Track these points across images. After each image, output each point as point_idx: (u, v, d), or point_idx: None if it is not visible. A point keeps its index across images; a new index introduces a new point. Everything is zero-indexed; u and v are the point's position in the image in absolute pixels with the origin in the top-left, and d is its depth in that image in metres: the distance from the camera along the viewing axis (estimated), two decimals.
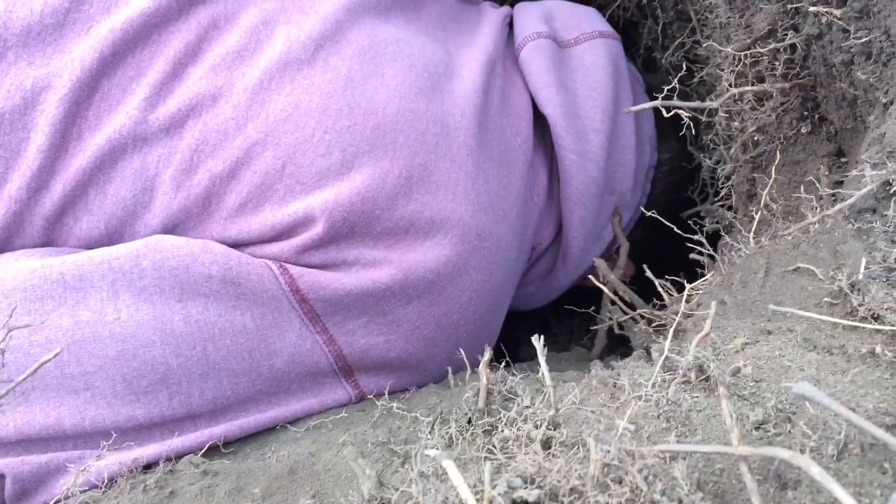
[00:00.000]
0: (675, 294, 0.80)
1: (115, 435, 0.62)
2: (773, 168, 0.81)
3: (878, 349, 0.50)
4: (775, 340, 0.56)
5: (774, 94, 0.81)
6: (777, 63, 0.80)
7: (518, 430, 0.51)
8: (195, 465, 0.60)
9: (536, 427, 0.51)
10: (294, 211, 0.69)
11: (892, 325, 0.51)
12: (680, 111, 0.80)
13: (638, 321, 0.84)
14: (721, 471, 0.44)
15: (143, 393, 0.63)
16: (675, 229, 0.86)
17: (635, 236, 1.02)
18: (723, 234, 0.95)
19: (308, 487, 0.57)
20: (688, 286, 0.74)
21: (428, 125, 0.74)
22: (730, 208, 0.96)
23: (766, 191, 0.79)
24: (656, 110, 0.82)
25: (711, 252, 0.82)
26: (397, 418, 0.65)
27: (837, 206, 0.62)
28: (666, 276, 0.82)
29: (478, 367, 0.60)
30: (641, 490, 0.41)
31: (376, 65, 0.74)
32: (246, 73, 0.71)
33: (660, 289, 0.80)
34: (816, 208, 0.68)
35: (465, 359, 0.67)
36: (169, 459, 0.62)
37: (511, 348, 1.13)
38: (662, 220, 0.88)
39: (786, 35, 0.78)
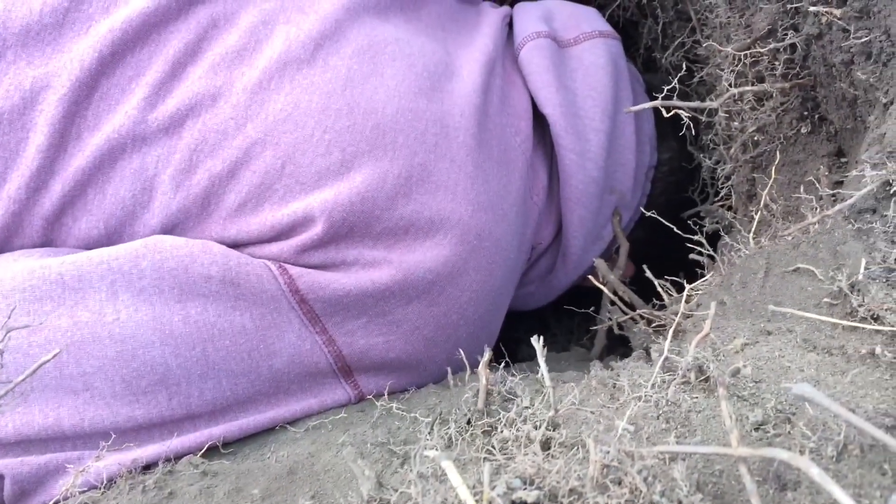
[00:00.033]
0: (675, 294, 0.80)
1: (114, 435, 0.62)
2: (773, 168, 0.81)
3: (878, 350, 0.50)
4: (775, 341, 0.56)
5: (774, 94, 0.81)
6: (777, 63, 0.80)
7: (517, 430, 0.51)
8: (194, 465, 0.60)
9: (536, 428, 0.51)
10: (293, 211, 0.69)
11: (892, 326, 0.51)
12: (680, 111, 0.80)
13: (637, 321, 0.84)
14: (720, 472, 0.44)
15: (142, 394, 0.63)
16: (675, 229, 0.86)
17: (635, 236, 1.02)
18: (722, 234, 0.95)
19: (307, 488, 0.57)
20: (687, 286, 0.74)
21: (427, 125, 0.74)
22: (730, 208, 0.96)
23: (765, 191, 0.79)
24: (656, 110, 0.82)
25: (711, 252, 0.82)
26: (397, 419, 0.65)
27: (837, 207, 0.62)
28: (666, 277, 0.82)
29: (477, 367, 0.60)
30: (641, 491, 0.41)
31: (376, 64, 0.74)
32: (245, 72, 0.70)
33: (659, 289, 0.80)
34: (816, 208, 0.67)
35: (464, 359, 0.67)
36: (168, 460, 0.62)
37: (511, 348, 1.13)
38: (662, 220, 0.88)
39: (786, 35, 0.78)
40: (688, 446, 0.43)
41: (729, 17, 0.88)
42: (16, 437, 0.61)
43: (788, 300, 0.61)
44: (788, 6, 0.77)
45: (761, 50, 0.80)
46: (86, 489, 0.59)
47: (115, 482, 0.59)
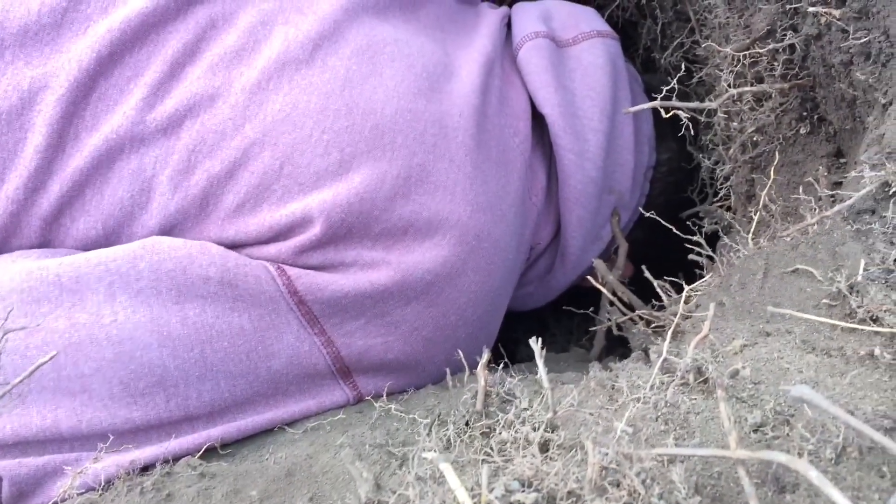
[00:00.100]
0: (674, 295, 0.80)
1: (112, 437, 0.61)
2: (772, 169, 0.81)
3: (877, 351, 0.50)
4: (774, 342, 0.56)
5: (773, 95, 0.81)
6: (776, 63, 0.80)
7: (516, 432, 0.51)
8: (192, 467, 0.60)
9: (534, 429, 0.51)
10: (292, 212, 0.69)
11: (891, 327, 0.51)
12: (679, 112, 0.80)
13: (636, 322, 0.84)
14: (719, 474, 0.44)
15: (140, 395, 0.62)
16: (674, 230, 0.86)
17: (634, 237, 1.02)
18: (721, 234, 0.94)
19: (305, 490, 0.57)
20: (686, 287, 0.74)
21: (426, 125, 0.73)
22: (728, 209, 0.96)
23: (764, 192, 0.79)
24: (655, 110, 0.82)
25: (710, 253, 0.82)
26: (395, 420, 0.65)
27: (836, 208, 0.62)
28: (664, 277, 0.82)
29: (476, 367, 0.60)
30: (639, 493, 0.41)
31: (375, 65, 0.74)
32: (244, 73, 0.70)
33: (658, 290, 0.80)
34: (815, 209, 0.67)
35: (463, 360, 0.67)
36: (166, 461, 0.62)
37: (510, 349, 1.13)
38: (661, 220, 0.88)
39: (785, 35, 0.78)
40: (686, 448, 0.43)
41: (728, 18, 0.88)
42: (13, 439, 0.61)
43: (787, 301, 0.61)
44: (787, 7, 0.77)
45: (760, 50, 0.80)
46: (84, 491, 0.59)
47: (112, 484, 0.59)
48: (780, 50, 0.79)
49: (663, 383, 0.53)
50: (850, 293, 0.55)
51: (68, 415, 0.61)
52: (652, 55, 1.20)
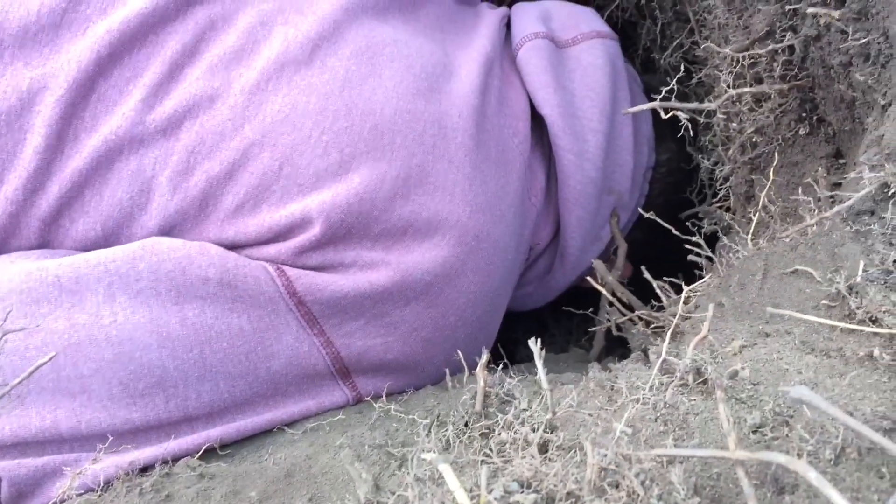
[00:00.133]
0: (673, 296, 0.80)
1: (111, 438, 0.61)
2: (772, 169, 0.81)
3: (876, 352, 0.50)
4: (773, 343, 0.56)
5: (773, 96, 0.81)
6: (775, 64, 0.80)
7: (515, 433, 0.51)
8: (191, 468, 0.60)
9: (533, 430, 0.51)
10: (291, 212, 0.69)
11: (890, 328, 0.51)
12: (678, 112, 0.80)
13: (636, 323, 0.84)
14: (718, 475, 0.44)
15: (139, 396, 0.62)
16: (674, 231, 0.86)
17: (633, 237, 1.02)
18: (721, 235, 0.94)
19: (305, 491, 0.57)
20: (686, 288, 0.74)
21: (426, 126, 0.73)
22: (728, 210, 0.96)
23: (764, 192, 0.79)
24: (655, 111, 0.82)
25: (709, 254, 0.82)
26: (395, 420, 0.65)
27: (835, 209, 0.62)
28: (664, 278, 0.82)
29: (476, 368, 0.60)
30: (638, 494, 0.41)
31: (374, 65, 0.74)
32: (243, 73, 0.70)
33: (658, 290, 0.80)
34: (814, 210, 0.67)
35: (462, 360, 0.67)
36: (165, 462, 0.62)
37: (509, 349, 1.13)
38: (660, 221, 0.88)
39: (784, 36, 0.78)
40: (685, 449, 0.43)
41: (727, 19, 0.88)
42: (13, 440, 0.61)
43: (786, 302, 0.61)
44: (787, 8, 0.77)
45: (760, 51, 0.80)
46: (83, 492, 0.59)
47: (112, 485, 0.59)
48: (780, 51, 0.79)
49: (662, 384, 0.53)
50: (850, 294, 0.55)
51: (68, 415, 0.61)
52: (651, 56, 1.20)
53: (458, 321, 0.77)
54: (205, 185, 0.69)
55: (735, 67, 0.82)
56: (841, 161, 0.78)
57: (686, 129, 0.81)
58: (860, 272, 0.56)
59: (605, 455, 0.43)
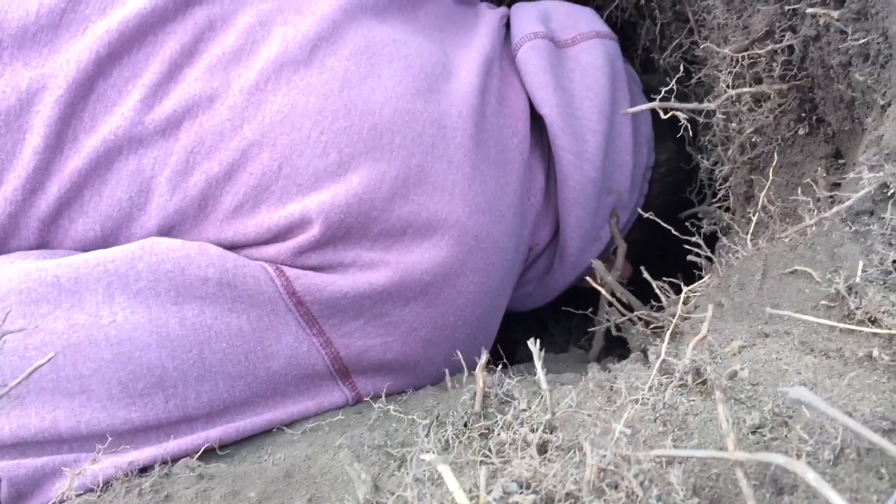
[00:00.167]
0: (673, 296, 0.80)
1: (110, 438, 0.61)
2: (771, 170, 0.81)
3: (875, 353, 0.50)
4: (772, 343, 0.56)
5: (772, 96, 0.81)
6: (775, 64, 0.80)
7: (514, 433, 0.51)
8: (191, 468, 0.60)
9: (533, 431, 0.51)
10: (290, 212, 0.69)
11: (889, 329, 0.51)
12: (678, 112, 0.80)
13: (635, 323, 0.84)
14: (717, 475, 0.44)
15: (138, 396, 0.62)
16: (673, 231, 0.86)
17: (633, 237, 1.02)
18: (720, 235, 0.94)
19: (304, 491, 0.57)
20: (685, 288, 0.74)
21: (425, 126, 0.73)
22: (727, 210, 0.96)
23: (763, 192, 0.79)
24: (654, 111, 0.82)
25: (709, 254, 0.82)
26: (394, 421, 0.65)
27: (835, 209, 0.62)
28: (663, 278, 0.82)
29: (475, 368, 0.60)
30: (637, 495, 0.41)
31: (373, 65, 0.74)
32: (242, 74, 0.70)
33: (657, 290, 0.80)
34: (814, 210, 0.67)
35: (462, 361, 0.67)
36: (165, 463, 0.62)
37: (508, 349, 1.13)
38: (660, 221, 0.88)
39: (783, 36, 0.78)
40: (684, 450, 0.43)
41: (727, 19, 0.88)
42: (12, 440, 0.61)
43: (786, 302, 0.61)
44: (786, 8, 0.77)
45: (759, 51, 0.80)
46: (82, 492, 0.59)
47: (111, 485, 0.59)
48: (779, 51, 0.79)
49: (662, 384, 0.53)
50: (849, 294, 0.56)
51: (67, 416, 0.61)
52: (651, 56, 1.20)
53: (457, 321, 0.77)
54: (204, 186, 0.69)
55: (734, 67, 0.82)
56: (840, 161, 0.78)
57: (685, 129, 0.81)
58: (859, 272, 0.56)
59: (604, 456, 0.43)
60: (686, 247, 0.86)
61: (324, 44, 0.73)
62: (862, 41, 0.66)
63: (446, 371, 0.73)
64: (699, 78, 0.98)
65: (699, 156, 1.00)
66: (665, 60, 1.11)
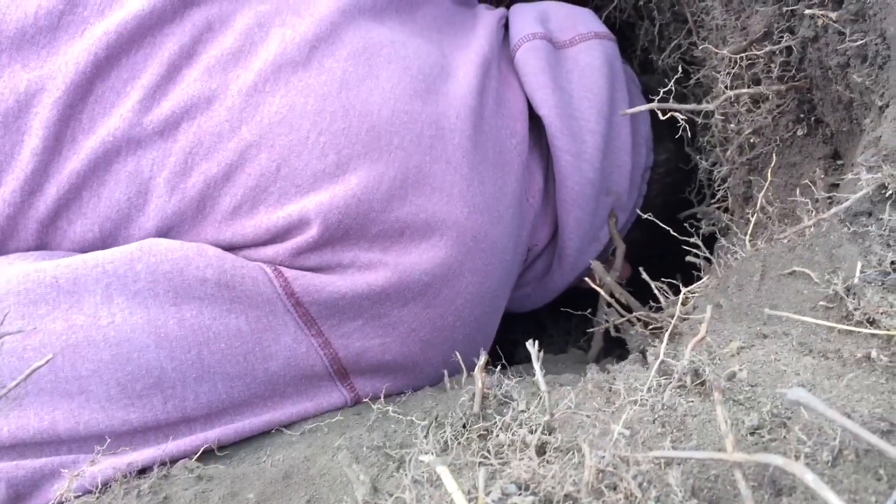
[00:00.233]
0: (672, 297, 0.80)
1: (109, 439, 0.61)
2: (770, 170, 0.81)
3: (874, 354, 0.50)
4: (771, 344, 0.56)
5: (770, 97, 0.81)
6: (773, 65, 0.80)
7: (513, 434, 0.51)
8: (189, 469, 0.60)
9: (531, 432, 0.51)
10: (289, 213, 0.69)
11: (888, 330, 0.51)
12: (676, 113, 0.80)
13: (634, 324, 0.84)
14: (716, 477, 0.44)
15: (137, 397, 0.62)
16: (672, 231, 0.86)
17: (631, 238, 1.02)
18: (719, 236, 0.95)
19: (303, 492, 0.57)
20: (684, 289, 0.74)
21: (423, 127, 0.74)
22: (726, 210, 0.96)
23: (762, 193, 0.79)
24: (653, 112, 0.82)
25: (707, 255, 0.82)
26: (393, 422, 0.65)
27: (833, 210, 0.62)
28: (662, 279, 0.82)
29: (474, 369, 0.60)
30: (636, 496, 0.41)
31: (371, 67, 0.74)
32: (240, 75, 0.70)
33: (656, 291, 0.80)
34: (812, 211, 0.67)
35: (461, 361, 0.67)
36: (163, 464, 0.62)
37: (507, 350, 1.13)
38: (659, 222, 0.88)
39: (782, 37, 0.78)
40: (683, 451, 0.43)
41: (725, 20, 0.88)
42: (11, 441, 0.61)
43: (784, 303, 0.61)
44: (784, 9, 0.77)
45: (757, 52, 0.80)
46: (81, 493, 0.59)
47: (110, 486, 0.59)
48: (777, 52, 0.79)
49: (660, 385, 0.53)
50: (847, 295, 0.56)
51: (66, 416, 0.61)
52: (649, 57, 1.20)
53: (456, 322, 0.77)
54: (202, 187, 0.69)
55: (733, 68, 0.82)
56: (839, 162, 0.79)
57: (684, 129, 0.81)
58: (858, 273, 0.56)
59: (603, 457, 0.43)
60: (685, 247, 0.86)
61: (322, 45, 0.73)
62: (860, 42, 0.67)
63: (445, 372, 0.73)
64: (698, 79, 0.98)
65: (698, 156, 1.00)
66: (664, 61, 1.11)
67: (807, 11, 0.72)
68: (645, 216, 0.92)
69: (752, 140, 0.86)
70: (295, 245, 0.69)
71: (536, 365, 0.57)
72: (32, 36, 0.67)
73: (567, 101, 0.88)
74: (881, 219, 0.59)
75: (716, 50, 0.85)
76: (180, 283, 0.64)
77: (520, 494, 0.42)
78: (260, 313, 0.67)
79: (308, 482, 0.58)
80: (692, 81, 0.99)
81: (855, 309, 0.54)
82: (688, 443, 0.48)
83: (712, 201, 1.00)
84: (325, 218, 0.68)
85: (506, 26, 0.96)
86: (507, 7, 0.99)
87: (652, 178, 1.03)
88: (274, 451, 0.65)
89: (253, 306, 0.66)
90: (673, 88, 0.81)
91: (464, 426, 0.56)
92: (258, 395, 0.67)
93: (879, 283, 0.55)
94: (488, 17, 0.93)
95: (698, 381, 0.53)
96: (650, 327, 0.81)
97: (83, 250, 0.69)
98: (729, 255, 0.75)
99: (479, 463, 0.50)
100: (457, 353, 0.71)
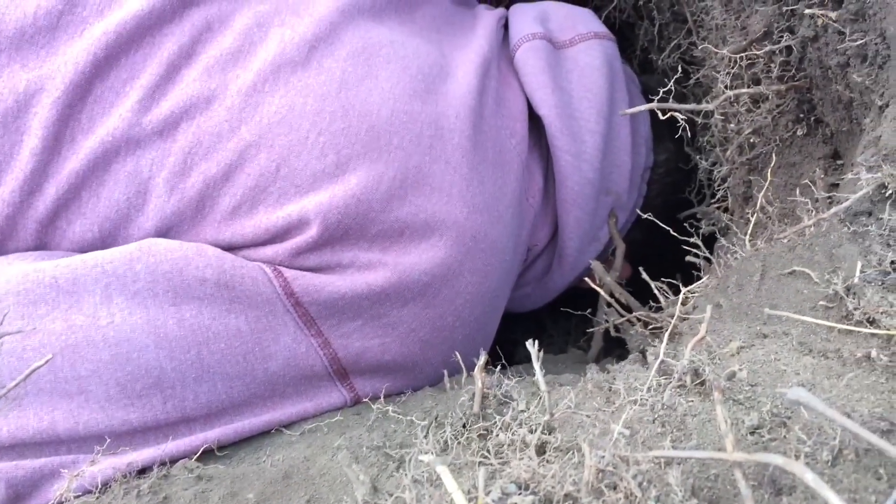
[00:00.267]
0: (671, 296, 0.80)
1: (108, 439, 0.61)
2: (769, 170, 0.81)
3: (874, 353, 0.50)
4: (771, 344, 0.56)
5: (770, 97, 0.81)
6: (773, 65, 0.80)
7: (513, 434, 0.51)
8: (189, 469, 0.60)
9: (531, 432, 0.51)
10: (288, 213, 0.69)
11: (888, 329, 0.51)
12: (676, 113, 0.80)
13: (634, 323, 0.84)
14: (716, 476, 0.44)
15: (137, 397, 0.62)
16: (672, 231, 0.86)
17: (631, 238, 1.02)
18: (719, 236, 0.95)
19: (303, 492, 0.57)
20: (683, 289, 0.74)
21: (422, 127, 0.73)
22: (726, 210, 0.96)
23: (761, 193, 0.79)
24: (652, 112, 0.82)
25: (707, 254, 0.82)
26: (393, 422, 0.65)
27: (833, 210, 0.62)
28: (662, 279, 0.82)
29: (474, 369, 0.60)
30: (636, 496, 0.41)
31: (370, 67, 0.74)
32: (240, 75, 0.70)
33: (656, 291, 0.80)
34: (812, 211, 0.67)
35: (460, 361, 0.67)
36: (163, 464, 0.62)
37: (507, 350, 1.13)
38: (658, 222, 0.88)
39: (781, 37, 0.78)
40: (683, 451, 0.43)
41: (725, 20, 0.88)
42: (10, 441, 0.61)
43: (784, 303, 0.61)
44: (784, 8, 0.77)
45: (757, 52, 0.80)
46: (80, 493, 0.59)
47: (109, 486, 0.59)
48: (777, 52, 0.79)
49: (660, 385, 0.53)
50: (847, 295, 0.56)
51: (65, 416, 0.61)
52: (649, 56, 1.20)
53: (455, 322, 0.77)
54: (202, 187, 0.68)
55: (733, 68, 0.82)
56: (838, 162, 0.79)
57: (684, 129, 0.81)
58: (858, 273, 0.56)
59: (603, 456, 0.43)
60: (685, 247, 0.86)
61: (321, 45, 0.73)
62: (860, 42, 0.67)
63: (445, 372, 0.73)
64: (697, 79, 0.98)
65: (698, 156, 1.00)
66: (663, 61, 1.11)
67: (807, 11, 0.72)
68: (645, 216, 0.92)
69: (751, 140, 0.86)
70: (294, 245, 0.69)
71: (536, 365, 0.57)
72: (32, 36, 0.67)
73: (567, 101, 0.88)
74: (881, 218, 0.59)
75: (715, 50, 0.85)
76: (180, 283, 0.64)
77: (520, 494, 0.42)
78: (259, 313, 0.67)
79: (308, 482, 0.58)
80: (692, 81, 0.99)
81: (855, 308, 0.54)
82: (688, 442, 0.48)
83: (712, 201, 1.00)
84: (325, 218, 0.68)
85: (505, 26, 0.96)
86: (507, 7, 0.99)
87: (652, 178, 1.03)
88: (274, 451, 0.65)
89: (252, 306, 0.66)
90: (672, 88, 0.81)
91: (464, 426, 0.56)
92: (258, 396, 0.67)
93: (879, 283, 0.55)
94: (488, 17, 0.93)
95: (698, 381, 0.53)
96: (650, 327, 0.81)
97: (82, 250, 0.69)
98: (729, 255, 0.75)
99: (479, 463, 0.50)
100: (456, 353, 0.71)
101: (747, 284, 0.67)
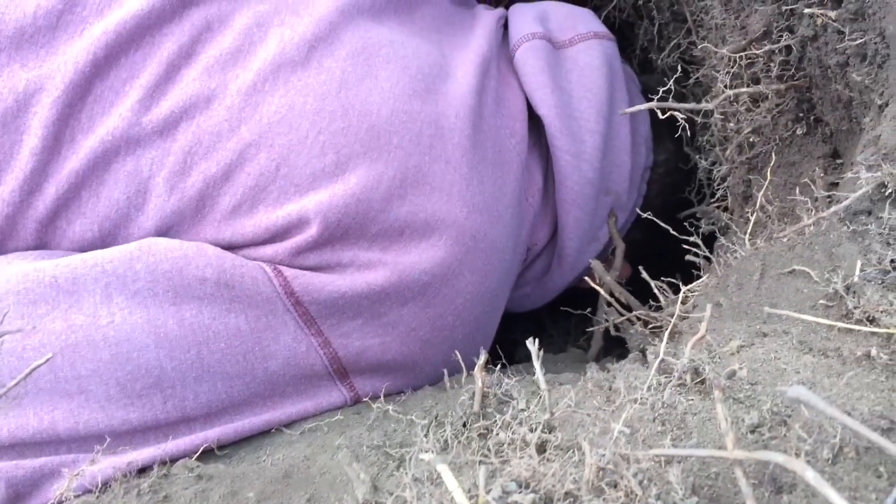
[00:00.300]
0: (671, 296, 0.80)
1: (109, 439, 0.61)
2: (769, 169, 0.81)
3: (874, 352, 0.50)
4: (771, 343, 0.56)
5: (770, 96, 0.81)
6: (772, 64, 0.80)
7: (513, 433, 0.51)
8: (189, 469, 0.60)
9: (531, 430, 0.51)
10: (288, 213, 0.69)
11: (888, 328, 0.51)
12: (676, 113, 0.80)
13: (634, 323, 0.84)
14: (716, 474, 0.44)
15: (137, 396, 0.62)
16: (671, 231, 0.86)
17: (631, 237, 1.02)
18: (718, 235, 0.95)
19: (303, 492, 0.57)
20: (683, 288, 0.74)
21: (422, 127, 0.74)
22: (725, 209, 0.96)
23: (761, 192, 0.79)
24: (652, 111, 0.82)
25: (707, 254, 0.82)
26: (393, 421, 0.65)
27: (833, 209, 0.62)
28: (662, 278, 0.82)
29: (474, 369, 0.60)
30: (636, 494, 0.41)
31: (370, 66, 0.74)
32: (239, 74, 0.70)
33: (656, 290, 0.80)
34: (812, 210, 0.67)
35: (460, 361, 0.67)
36: (163, 463, 0.62)
37: (507, 349, 1.13)
38: (658, 221, 0.88)
39: (781, 37, 0.78)
40: (683, 449, 0.43)
41: (724, 19, 0.88)
42: (10, 441, 0.60)
43: (784, 302, 0.61)
44: (783, 8, 0.77)
45: (757, 51, 0.80)
46: (80, 493, 0.59)
47: (109, 486, 0.59)
48: (777, 51, 0.79)
49: (660, 384, 0.53)
50: (847, 294, 0.56)
51: (65, 416, 0.61)
52: (649, 56, 1.20)
53: (455, 321, 0.77)
54: (202, 186, 0.69)
55: (732, 68, 0.82)
56: (838, 161, 0.79)
57: (684, 129, 0.81)
58: (857, 272, 0.56)
59: (603, 455, 0.43)
60: (685, 247, 0.86)
61: (321, 45, 0.73)
62: (859, 41, 0.67)
63: (445, 371, 0.73)
64: (697, 78, 0.98)
65: (697, 156, 1.00)
66: (663, 61, 1.11)
67: (806, 10, 0.72)
68: (645, 216, 0.92)
69: (751, 139, 0.86)
70: (294, 244, 0.69)
71: (536, 363, 0.57)
72: (31, 35, 0.67)
73: (566, 100, 0.88)
74: (881, 217, 0.59)
75: (715, 49, 0.85)
76: (180, 282, 0.64)
77: (520, 492, 0.42)
78: (259, 312, 0.67)
79: (308, 481, 0.58)
80: (691, 81, 1.00)
81: (855, 307, 0.54)
82: (688, 441, 0.48)
83: (712, 200, 1.00)
84: (325, 217, 0.68)
85: (505, 26, 0.96)
86: (507, 7, 0.99)
87: (651, 178, 1.03)
88: (274, 450, 0.65)
89: (252, 305, 0.66)
90: (672, 88, 0.81)
91: (464, 425, 0.56)
92: (258, 395, 0.67)
93: (879, 282, 0.55)
94: (487, 17, 0.93)
95: (698, 380, 0.53)
96: (650, 326, 0.81)
97: (82, 250, 0.69)
98: (729, 254, 0.75)
99: (480, 461, 0.50)
100: (456, 353, 0.71)
101: (747, 283, 0.67)
